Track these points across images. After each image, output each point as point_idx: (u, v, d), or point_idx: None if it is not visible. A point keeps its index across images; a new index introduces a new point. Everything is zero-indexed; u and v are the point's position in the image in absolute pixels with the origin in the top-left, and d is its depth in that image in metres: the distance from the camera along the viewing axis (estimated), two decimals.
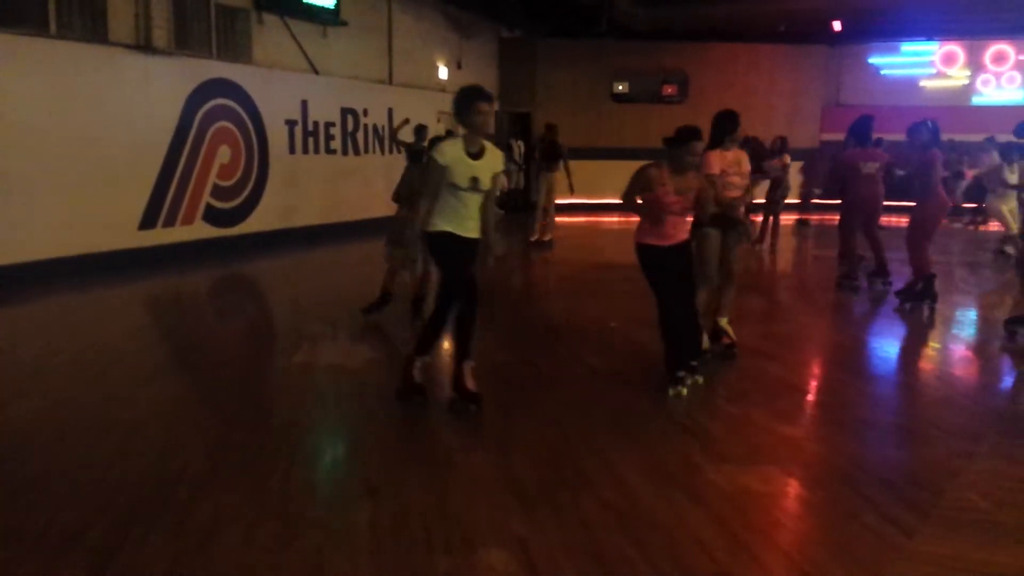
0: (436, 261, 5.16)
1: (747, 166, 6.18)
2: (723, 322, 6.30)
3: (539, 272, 11.86)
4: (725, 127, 6.06)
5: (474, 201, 4.87)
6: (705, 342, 5.99)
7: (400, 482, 3.92)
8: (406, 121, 13.04)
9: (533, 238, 13.38)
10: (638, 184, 5.27)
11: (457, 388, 5.01)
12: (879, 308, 8.67)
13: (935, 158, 8.02)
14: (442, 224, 4.86)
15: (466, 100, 4.81)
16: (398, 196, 7.53)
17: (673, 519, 3.54)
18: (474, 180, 4.79)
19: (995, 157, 13.67)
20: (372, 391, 5.59)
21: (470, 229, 4.92)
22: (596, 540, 3.35)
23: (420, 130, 12.77)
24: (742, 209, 6.38)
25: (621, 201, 5.43)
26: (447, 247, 4.92)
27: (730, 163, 6.02)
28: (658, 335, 5.47)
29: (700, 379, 5.38)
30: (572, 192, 15.94)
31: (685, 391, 5.23)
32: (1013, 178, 11.68)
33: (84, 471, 4.05)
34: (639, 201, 5.33)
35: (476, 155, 4.81)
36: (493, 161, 4.93)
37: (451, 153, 4.79)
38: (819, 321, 8.17)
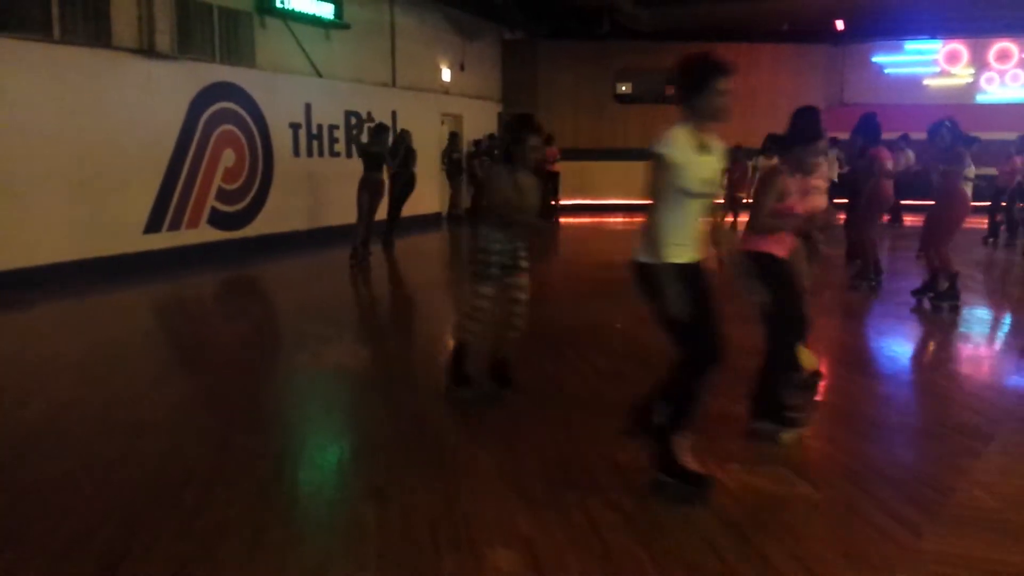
0: (675, 310, 3.58)
1: (828, 169, 5.73)
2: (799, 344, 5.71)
3: (543, 273, 11.84)
4: (805, 125, 5.46)
5: (699, 211, 3.72)
6: (814, 362, 5.47)
7: (405, 483, 3.91)
8: (368, 115, 12.21)
9: None
10: (773, 194, 4.53)
11: (668, 468, 3.75)
12: (887, 306, 8.64)
13: (961, 157, 7.99)
14: (672, 251, 3.60)
15: (700, 76, 3.61)
16: (502, 218, 5.04)
17: (680, 519, 3.52)
18: (707, 183, 3.65)
19: (909, 156, 13.86)
20: (377, 392, 5.59)
21: (694, 251, 3.70)
22: (603, 541, 3.33)
23: (380, 130, 11.52)
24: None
25: (757, 220, 4.59)
26: (689, 285, 3.60)
27: None
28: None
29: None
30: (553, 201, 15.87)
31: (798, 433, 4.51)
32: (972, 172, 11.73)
33: (90, 474, 4.04)
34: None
35: (705, 149, 3.67)
36: (720, 155, 3.78)
37: (684, 147, 3.58)
38: (826, 320, 8.13)
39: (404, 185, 12.60)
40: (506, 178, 5.03)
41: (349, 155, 14.36)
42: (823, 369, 6.27)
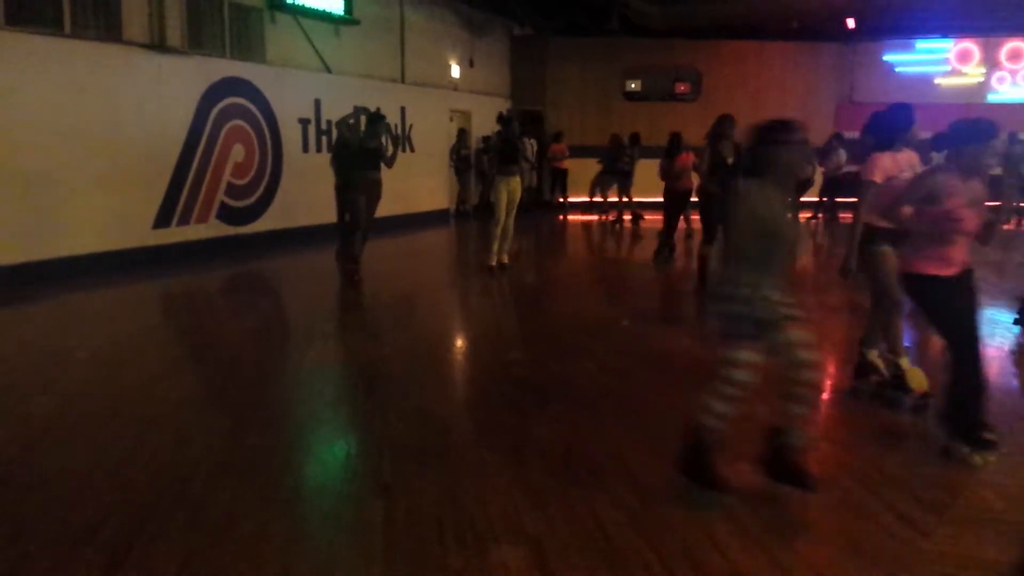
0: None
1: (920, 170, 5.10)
2: (873, 355, 5.29)
3: (548, 271, 11.84)
4: (897, 123, 5.02)
5: None
6: (924, 383, 5.05)
7: (412, 480, 3.92)
8: (364, 110, 10.41)
9: (492, 262, 10.24)
10: (918, 193, 4.11)
11: None
12: None
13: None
14: None
15: None
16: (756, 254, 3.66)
17: (687, 518, 3.52)
18: None
19: (841, 156, 14.75)
20: (383, 389, 5.60)
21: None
22: (609, 539, 3.34)
23: (374, 121, 9.91)
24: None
25: (885, 215, 4.34)
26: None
27: (903, 167, 4.97)
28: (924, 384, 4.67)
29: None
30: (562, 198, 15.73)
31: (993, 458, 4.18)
32: None
33: (99, 467, 4.07)
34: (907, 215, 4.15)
35: None
36: None
37: None
38: (833, 318, 8.12)
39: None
40: (760, 198, 3.66)
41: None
42: (830, 368, 6.22)
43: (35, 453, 4.30)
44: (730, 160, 8.44)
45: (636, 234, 13.69)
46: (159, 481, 3.90)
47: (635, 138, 15.92)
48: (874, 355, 5.27)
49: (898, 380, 5.08)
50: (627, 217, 15.95)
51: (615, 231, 15.45)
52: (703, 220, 8.97)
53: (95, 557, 3.15)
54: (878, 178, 4.89)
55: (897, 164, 4.94)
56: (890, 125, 5.03)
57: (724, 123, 8.59)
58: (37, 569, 3.09)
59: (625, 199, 15.93)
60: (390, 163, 9.87)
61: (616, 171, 15.92)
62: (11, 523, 3.45)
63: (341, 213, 10.84)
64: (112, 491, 3.76)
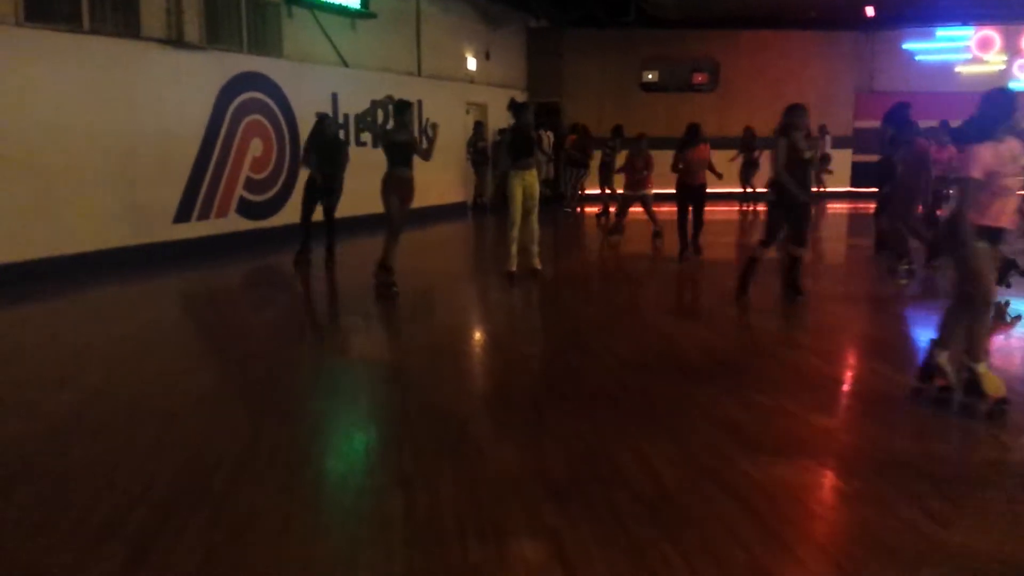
0: None
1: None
2: (943, 358, 4.90)
3: (565, 264, 11.82)
4: (1003, 109, 4.60)
5: None
6: (1000, 387, 4.73)
7: (432, 473, 3.93)
8: (388, 99, 9.49)
9: (511, 268, 9.17)
10: None
11: None
12: (917, 297, 8.56)
13: None
14: None
15: None
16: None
17: (706, 511, 3.51)
18: None
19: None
20: (403, 383, 5.62)
21: None
22: (629, 532, 3.33)
23: (401, 109, 8.73)
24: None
25: None
26: None
27: (1005, 160, 4.54)
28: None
29: None
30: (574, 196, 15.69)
31: None
32: None
33: (121, 462, 4.10)
34: None
35: None
36: None
37: None
38: (855, 311, 8.06)
39: (339, 190, 10.58)
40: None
41: (375, 145, 14.35)
42: (852, 360, 6.17)
43: (58, 447, 4.34)
44: (808, 155, 7.61)
45: (619, 227, 13.43)
46: (181, 475, 3.93)
47: (617, 130, 15.92)
48: (944, 358, 4.93)
49: (972, 384, 4.78)
50: (612, 209, 15.73)
51: (601, 224, 15.38)
52: (770, 220, 7.85)
53: (118, 551, 3.18)
54: (978, 174, 4.50)
55: (999, 157, 4.53)
56: (989, 112, 4.62)
57: (795, 113, 7.58)
58: (60, 562, 3.12)
59: (607, 191, 15.88)
60: (427, 156, 8.73)
61: (585, 164, 16.45)
62: (35, 517, 3.49)
63: (307, 213, 10.39)
64: (134, 486, 3.78)
